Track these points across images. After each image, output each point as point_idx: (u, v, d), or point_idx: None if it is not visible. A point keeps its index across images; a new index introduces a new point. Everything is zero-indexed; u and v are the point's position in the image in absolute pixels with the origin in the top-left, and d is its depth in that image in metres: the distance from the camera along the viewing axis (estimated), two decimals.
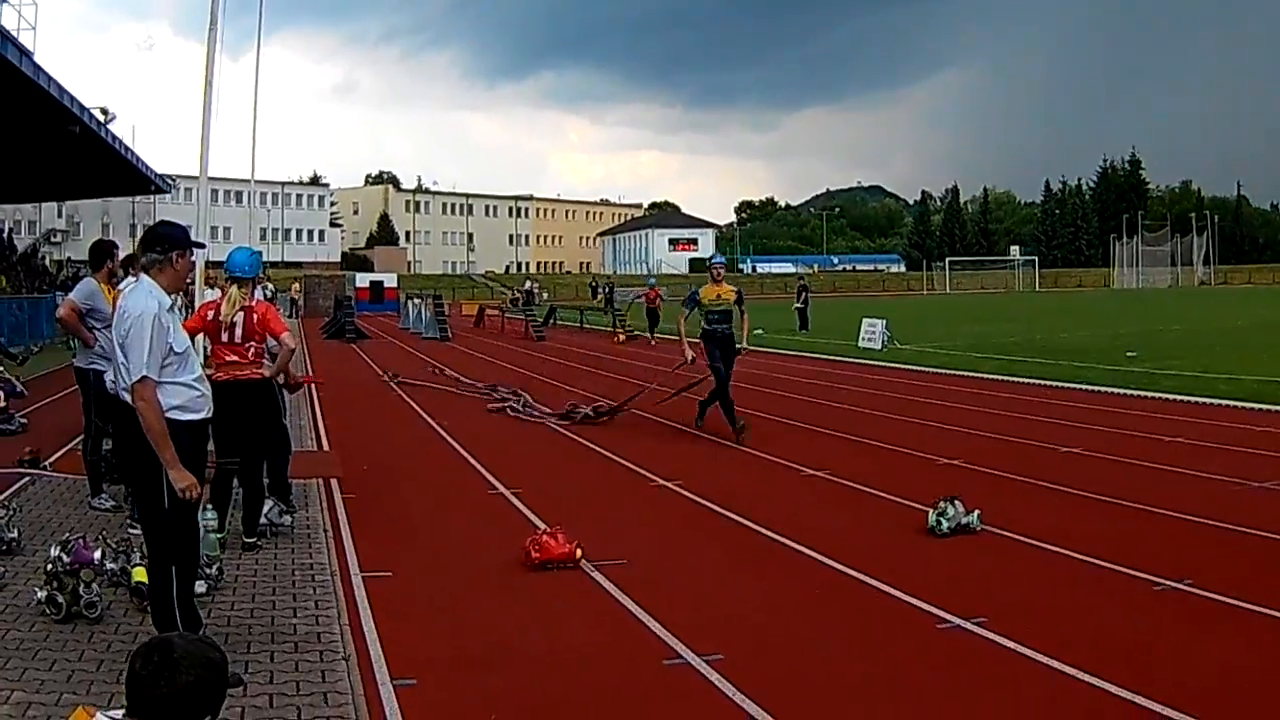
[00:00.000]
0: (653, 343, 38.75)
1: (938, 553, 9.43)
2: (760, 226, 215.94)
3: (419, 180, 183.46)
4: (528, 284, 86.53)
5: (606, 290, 66.20)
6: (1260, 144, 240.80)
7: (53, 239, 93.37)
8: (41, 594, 7.50)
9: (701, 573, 9.00)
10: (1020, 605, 7.85)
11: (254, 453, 9.81)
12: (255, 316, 9.75)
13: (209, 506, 8.32)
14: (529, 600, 8.21)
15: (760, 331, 41.72)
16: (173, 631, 5.58)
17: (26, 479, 12.43)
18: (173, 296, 6.67)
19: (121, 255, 11.24)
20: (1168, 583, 8.22)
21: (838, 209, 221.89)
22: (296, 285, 77.25)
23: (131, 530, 9.29)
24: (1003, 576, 8.70)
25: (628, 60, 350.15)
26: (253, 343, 9.72)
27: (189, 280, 8.33)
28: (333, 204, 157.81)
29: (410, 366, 29.71)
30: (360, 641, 7.19)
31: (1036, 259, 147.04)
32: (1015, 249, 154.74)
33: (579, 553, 9.06)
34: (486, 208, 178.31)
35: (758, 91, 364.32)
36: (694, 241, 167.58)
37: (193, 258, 7.02)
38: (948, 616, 7.58)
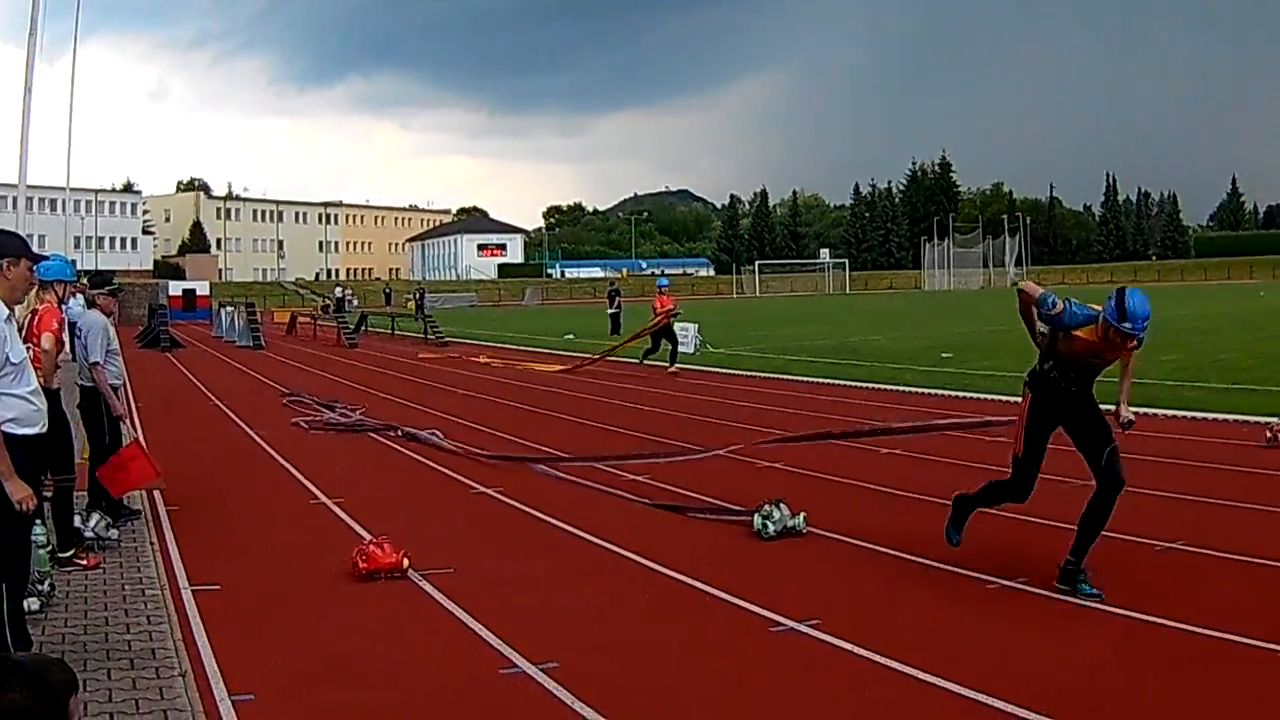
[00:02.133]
0: (673, 370, 28.69)
1: (766, 556, 9.65)
2: (569, 231, 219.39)
3: (229, 187, 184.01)
4: (339, 291, 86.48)
5: (417, 296, 69.42)
6: (1072, 146, 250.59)
7: None
8: None
9: (529, 580, 9.14)
10: (852, 606, 8.08)
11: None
12: (36, 319, 9.65)
13: (39, 521, 8.27)
14: (360, 611, 8.28)
15: (571, 336, 43.85)
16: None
17: None
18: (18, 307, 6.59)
19: None
20: (1001, 581, 8.56)
21: (646, 213, 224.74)
22: None
23: None
24: (833, 578, 8.93)
25: (435, 65, 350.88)
26: (31, 345, 9.57)
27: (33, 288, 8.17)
28: (145, 211, 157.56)
29: (231, 379, 30.26)
30: (195, 657, 7.21)
31: (847, 262, 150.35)
32: (825, 252, 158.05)
33: (406, 562, 9.17)
34: (296, 214, 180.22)
35: (566, 96, 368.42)
36: (503, 247, 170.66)
37: (29, 266, 6.93)
38: (781, 619, 7.77)
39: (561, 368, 30.91)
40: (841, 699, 6.40)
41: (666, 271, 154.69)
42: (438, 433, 16.74)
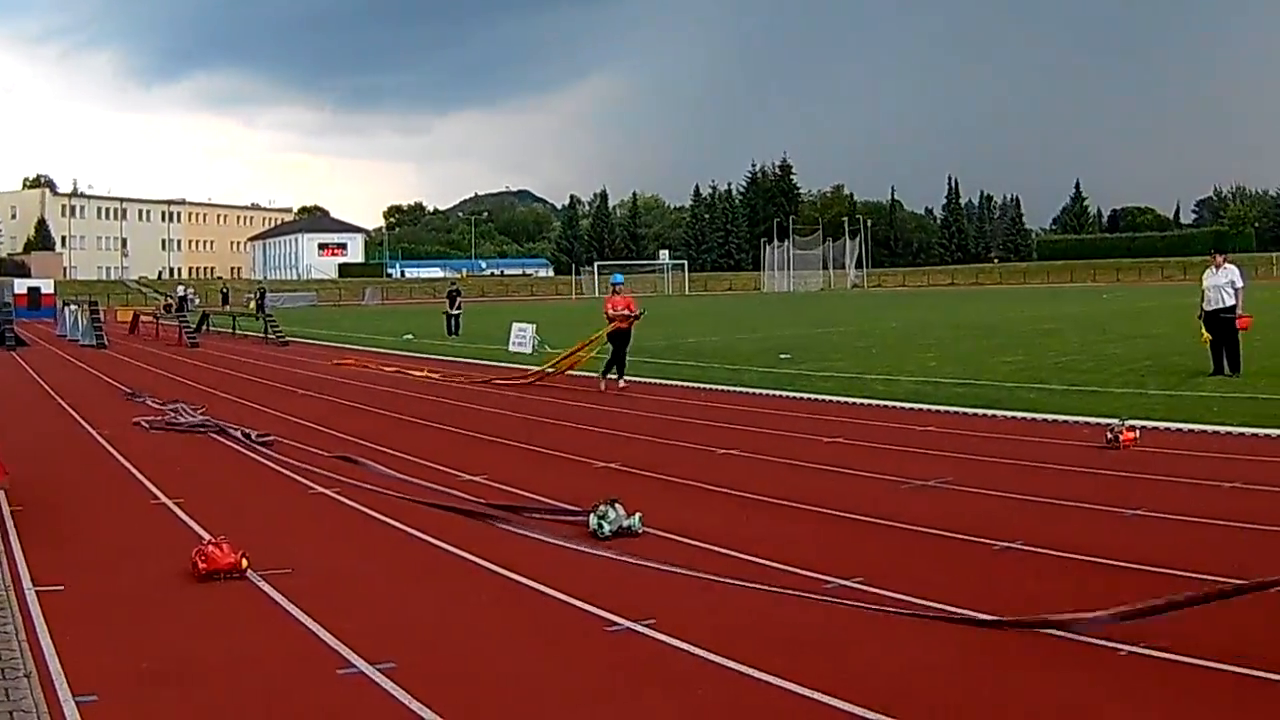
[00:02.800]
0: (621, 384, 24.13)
1: (602, 556, 9.62)
2: (409, 231, 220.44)
3: (75, 184, 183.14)
4: (181, 289, 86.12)
5: (258, 295, 68.89)
6: (914, 148, 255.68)
7: None
8: None
9: (368, 580, 9.14)
10: (688, 606, 8.07)
11: None
12: None
13: None
14: (200, 611, 8.22)
15: (410, 336, 44.38)
16: None
17: None
18: None
19: None
20: (838, 580, 8.55)
21: (486, 213, 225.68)
22: None
23: None
24: (668, 578, 8.89)
25: (277, 62, 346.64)
26: None
27: None
28: None
29: (74, 378, 30.04)
30: (40, 658, 7.13)
31: (685, 263, 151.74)
32: (664, 253, 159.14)
33: (245, 562, 9.12)
34: (140, 212, 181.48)
35: (408, 95, 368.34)
36: (343, 246, 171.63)
37: None
38: (617, 619, 7.76)
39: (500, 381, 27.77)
40: (675, 697, 6.38)
41: (506, 272, 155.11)
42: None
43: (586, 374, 25.23)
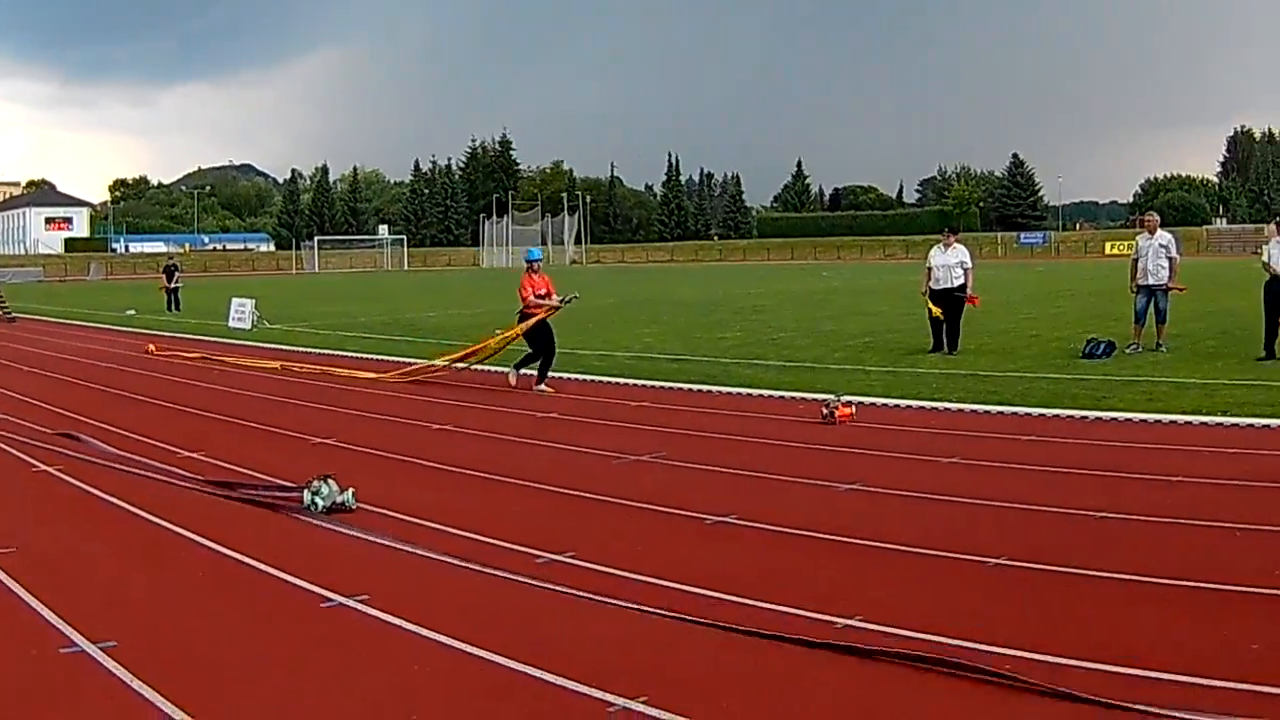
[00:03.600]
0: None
1: (316, 532, 9.64)
2: (133, 205, 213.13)
3: None
4: None
5: None
6: (635, 125, 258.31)
7: None
8: None
9: (89, 559, 9.08)
10: (401, 581, 8.15)
11: None
12: None
13: None
14: None
15: (133, 312, 43.73)
16: None
17: None
18: None
19: None
20: (549, 555, 8.67)
21: (209, 187, 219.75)
22: None
23: None
24: (381, 553, 8.95)
25: (5, 33, 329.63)
26: None
27: None
28: None
29: None
30: None
31: (405, 238, 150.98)
32: (384, 228, 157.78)
33: None
34: None
35: (135, 67, 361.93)
36: (69, 220, 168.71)
37: None
38: (330, 594, 7.81)
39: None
40: (389, 672, 6.44)
41: (228, 247, 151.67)
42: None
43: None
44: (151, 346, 28.83)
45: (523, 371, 19.34)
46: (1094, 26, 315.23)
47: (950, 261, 23.02)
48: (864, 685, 6.10)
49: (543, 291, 19.52)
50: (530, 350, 19.46)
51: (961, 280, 22.88)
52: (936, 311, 22.66)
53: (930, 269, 23.29)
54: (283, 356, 25.33)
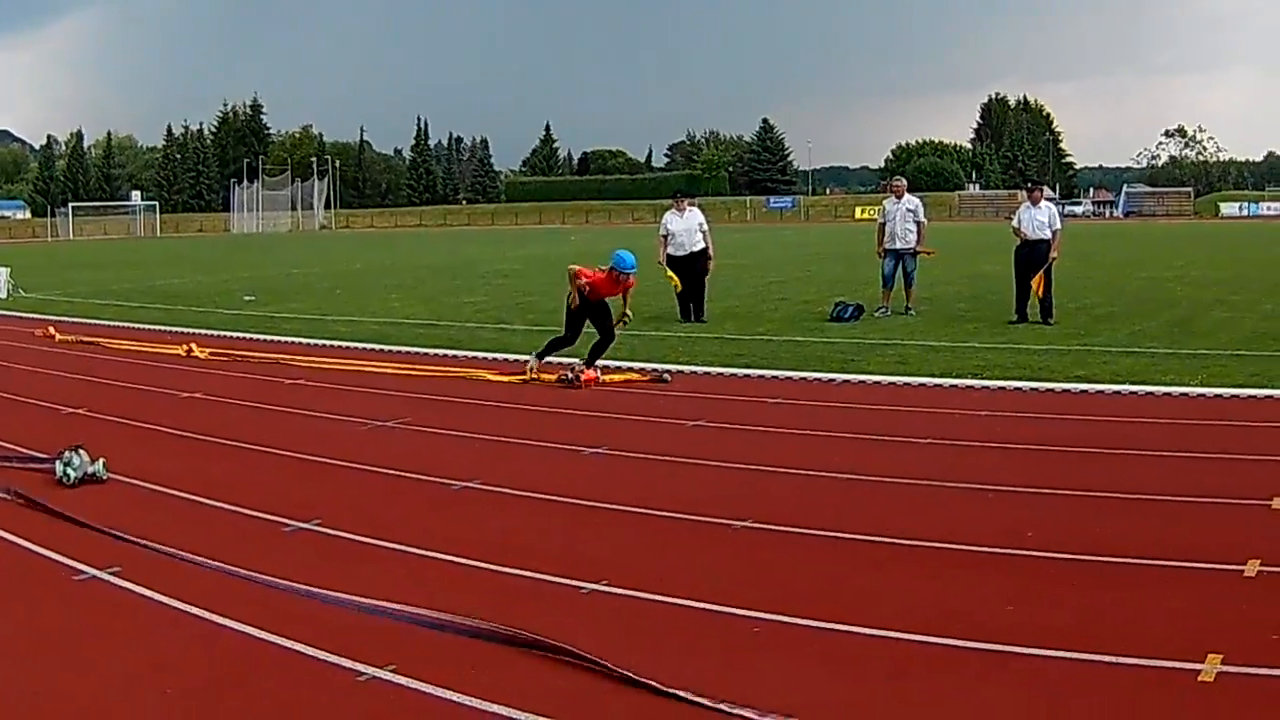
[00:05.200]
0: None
1: (68, 503, 9.20)
2: None
3: None
4: None
5: None
6: (384, 89, 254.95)
7: None
8: None
9: None
10: (152, 552, 7.88)
11: None
12: None
13: None
14: None
15: None
16: None
17: None
18: None
19: None
20: (296, 523, 8.54)
21: None
22: None
23: None
24: (134, 523, 8.59)
25: None
26: None
27: None
28: None
29: None
30: None
31: (158, 204, 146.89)
32: (136, 194, 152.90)
33: None
34: None
35: None
36: None
37: None
38: (83, 567, 7.57)
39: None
40: (141, 645, 6.26)
41: None
42: None
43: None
44: None
45: (546, 360, 15.93)
46: None
47: (691, 225, 22.52)
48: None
49: (616, 296, 16.01)
50: (564, 334, 16.06)
51: (701, 245, 22.48)
52: (675, 282, 22.20)
53: (665, 235, 22.75)
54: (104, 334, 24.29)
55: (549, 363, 15.84)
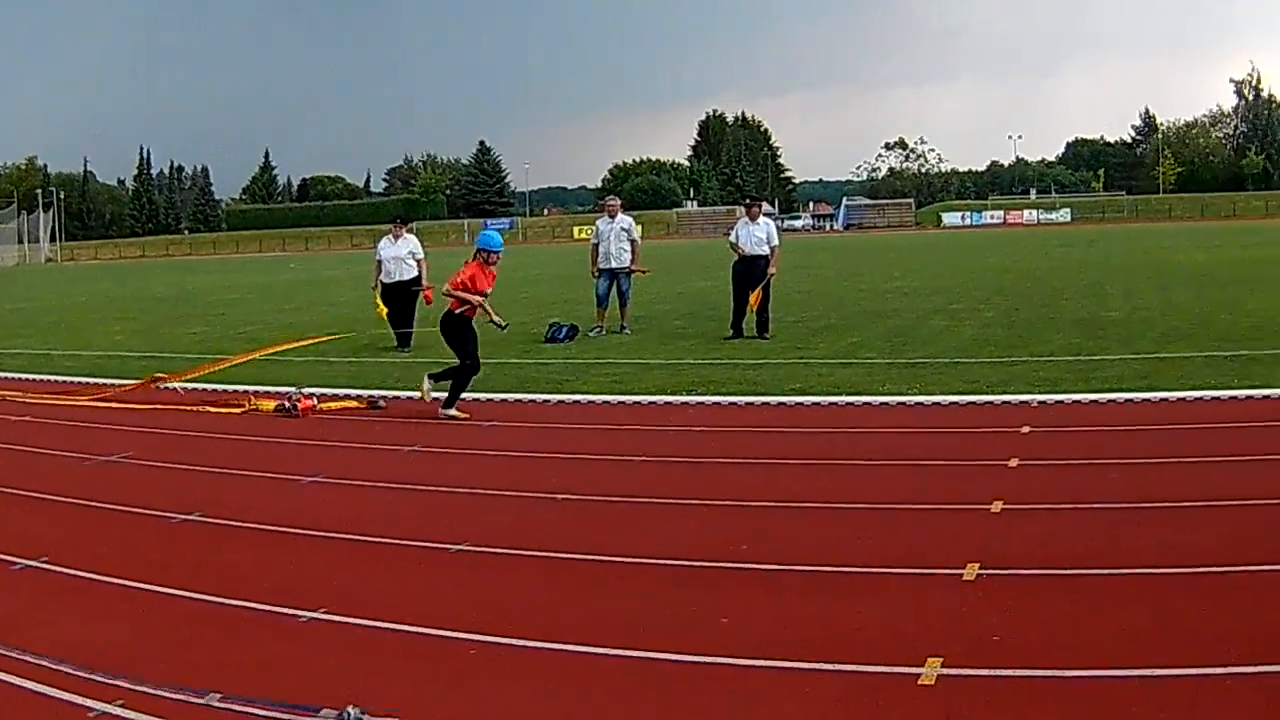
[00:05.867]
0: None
1: None
2: None
3: None
4: None
5: None
6: (107, 119, 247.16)
7: None
8: None
9: None
10: None
11: None
12: None
13: None
14: None
15: None
16: None
17: None
18: None
19: None
20: (24, 561, 8.26)
21: None
22: None
23: None
24: None
25: None
26: None
27: None
28: None
29: None
30: None
31: None
32: None
33: None
34: None
35: None
36: None
37: None
38: None
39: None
40: None
41: None
42: None
43: None
44: None
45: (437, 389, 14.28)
46: (558, 13, 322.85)
47: (401, 253, 22.11)
48: None
49: (488, 291, 14.41)
50: (459, 362, 14.19)
51: (415, 273, 22.02)
52: (382, 311, 21.88)
53: (380, 261, 22.30)
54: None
55: (330, 395, 15.51)
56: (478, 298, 14.04)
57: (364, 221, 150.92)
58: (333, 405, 14.81)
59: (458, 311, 14.10)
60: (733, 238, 21.51)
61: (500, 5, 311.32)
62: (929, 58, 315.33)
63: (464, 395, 14.13)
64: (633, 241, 22.43)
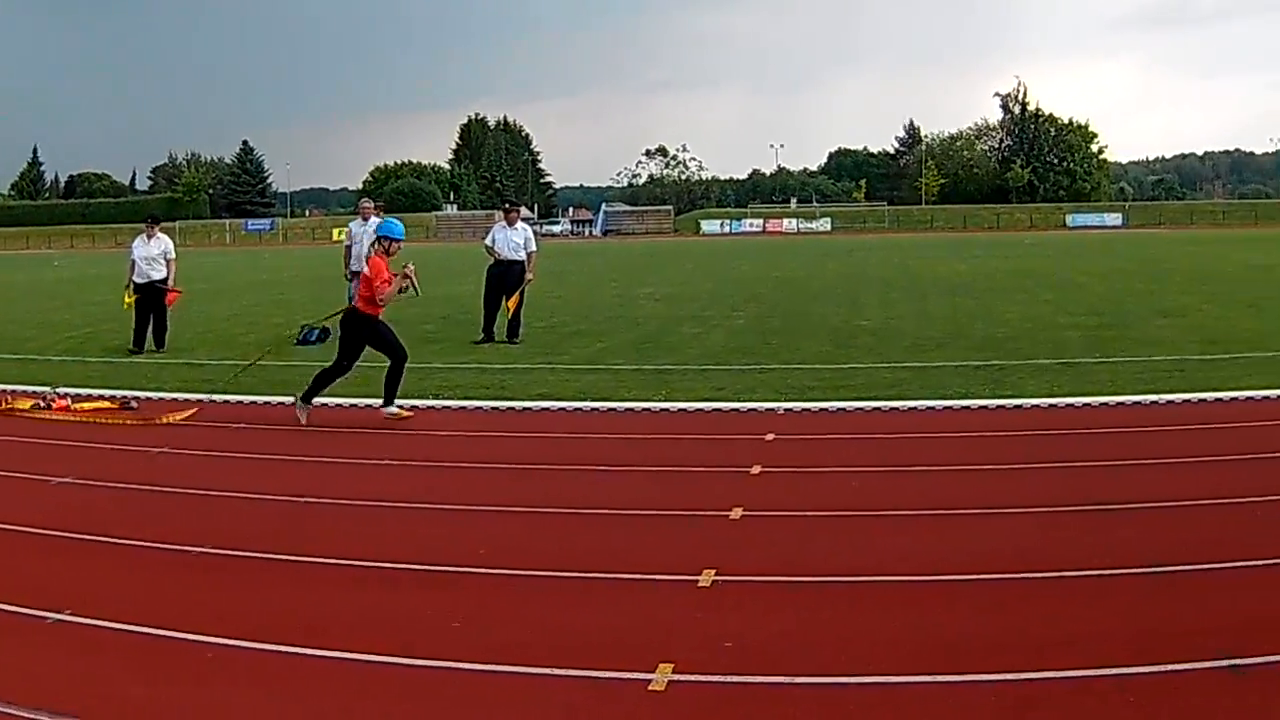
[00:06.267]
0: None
1: None
2: None
3: None
4: None
5: None
6: None
7: None
8: None
9: None
10: None
11: None
12: None
13: None
14: None
15: None
16: None
17: None
18: None
19: None
20: None
21: None
22: None
23: None
24: None
25: None
26: None
27: None
28: None
29: None
30: None
31: None
32: None
33: None
34: None
35: None
36: None
37: None
38: None
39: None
40: None
41: None
42: None
43: None
44: None
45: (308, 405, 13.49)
46: (323, 13, 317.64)
47: (153, 253, 21.42)
48: None
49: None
50: (340, 363, 13.43)
51: (164, 274, 21.36)
52: (128, 301, 21.20)
53: (134, 262, 21.50)
54: None
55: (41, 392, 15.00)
56: (393, 286, 13.06)
57: (128, 219, 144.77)
58: (86, 406, 14.40)
59: (366, 312, 13.26)
60: (488, 241, 21.48)
61: (264, 4, 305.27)
62: (694, 65, 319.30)
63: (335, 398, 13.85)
64: None
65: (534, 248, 21.37)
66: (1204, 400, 13.63)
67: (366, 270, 13.47)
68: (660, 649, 6.08)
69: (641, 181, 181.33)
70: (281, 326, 23.92)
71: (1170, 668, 5.75)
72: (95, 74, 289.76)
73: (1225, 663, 5.79)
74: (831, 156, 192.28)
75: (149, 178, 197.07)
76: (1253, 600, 6.86)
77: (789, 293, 32.83)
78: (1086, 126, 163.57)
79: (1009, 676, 5.71)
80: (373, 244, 14.00)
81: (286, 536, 8.61)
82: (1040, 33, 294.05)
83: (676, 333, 22.25)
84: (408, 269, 13.23)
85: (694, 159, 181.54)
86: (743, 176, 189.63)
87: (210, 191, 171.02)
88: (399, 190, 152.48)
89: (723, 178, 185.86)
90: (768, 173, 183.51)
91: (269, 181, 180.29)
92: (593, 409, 13.88)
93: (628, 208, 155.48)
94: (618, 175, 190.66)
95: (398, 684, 5.84)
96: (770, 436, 12.06)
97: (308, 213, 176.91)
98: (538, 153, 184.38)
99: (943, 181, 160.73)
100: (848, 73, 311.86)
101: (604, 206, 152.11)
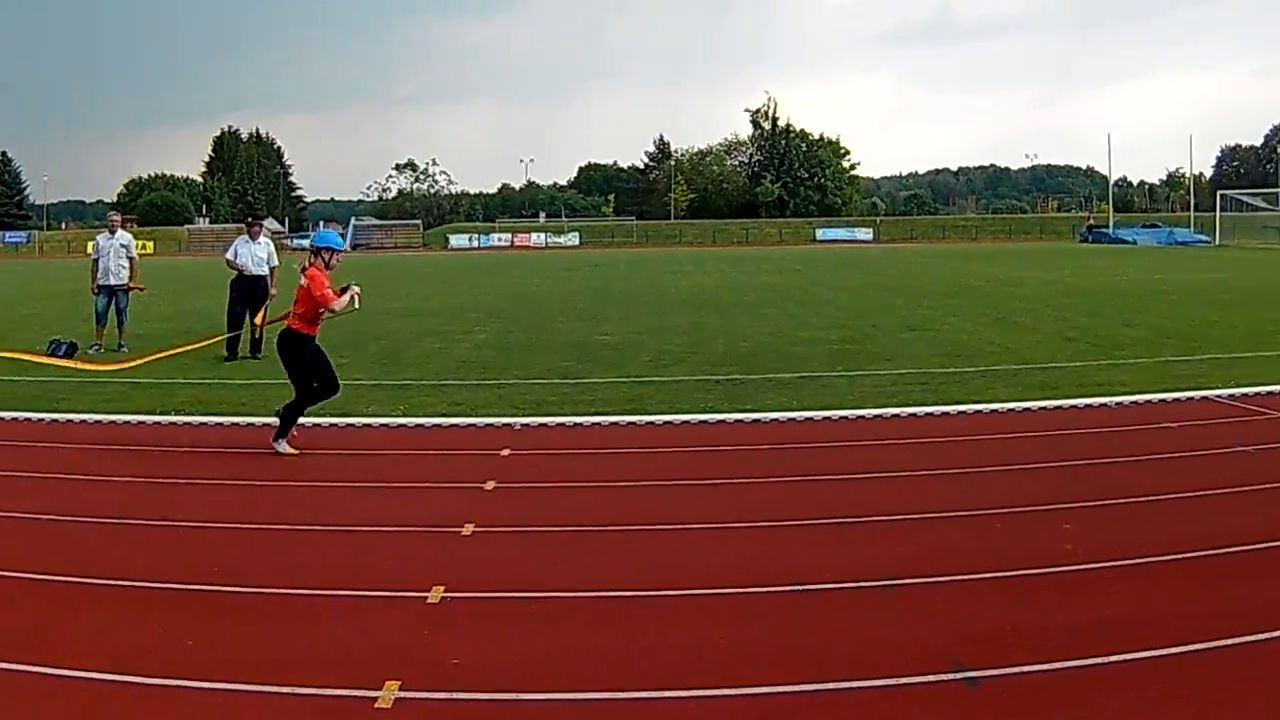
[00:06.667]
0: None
1: None
2: None
3: None
4: None
5: None
6: None
7: None
8: None
9: None
10: None
11: None
12: None
13: None
14: None
15: None
16: None
17: None
18: None
19: None
20: None
21: None
22: None
23: None
24: None
25: None
26: None
27: None
28: None
29: None
30: None
31: None
32: None
33: None
34: None
35: None
36: None
37: None
38: None
39: None
40: None
41: None
42: None
43: None
44: None
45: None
46: (80, 24, 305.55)
47: None
48: None
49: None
50: (302, 392, 12.49)
51: None
52: None
53: None
54: None
55: None
56: (340, 300, 12.23)
57: None
58: None
59: (300, 331, 12.47)
60: (231, 255, 21.12)
61: (19, 14, 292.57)
62: (444, 79, 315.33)
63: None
64: (131, 259, 21.97)
65: (276, 262, 21.13)
66: (946, 413, 14.09)
67: (304, 283, 12.29)
68: (387, 667, 6.10)
69: (391, 195, 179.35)
70: (32, 341, 22.59)
71: (902, 681, 5.96)
72: None
73: (959, 675, 6.02)
74: (581, 171, 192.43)
75: None
76: (982, 612, 7.10)
77: (532, 307, 32.93)
78: (837, 142, 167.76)
79: (728, 692, 5.84)
80: (309, 256, 12.65)
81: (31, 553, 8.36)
82: (797, 49, 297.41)
83: (417, 347, 22.15)
84: (354, 290, 12.42)
85: (444, 173, 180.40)
86: (492, 191, 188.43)
87: None
88: (152, 203, 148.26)
89: (472, 192, 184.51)
90: (517, 187, 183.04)
91: (26, 193, 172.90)
92: (330, 424, 13.70)
93: (377, 222, 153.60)
94: (368, 189, 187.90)
95: (128, 703, 5.73)
96: (505, 452, 12.11)
97: (64, 225, 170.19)
98: (290, 166, 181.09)
99: (692, 196, 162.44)
100: (599, 87, 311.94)
101: (354, 220, 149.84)
